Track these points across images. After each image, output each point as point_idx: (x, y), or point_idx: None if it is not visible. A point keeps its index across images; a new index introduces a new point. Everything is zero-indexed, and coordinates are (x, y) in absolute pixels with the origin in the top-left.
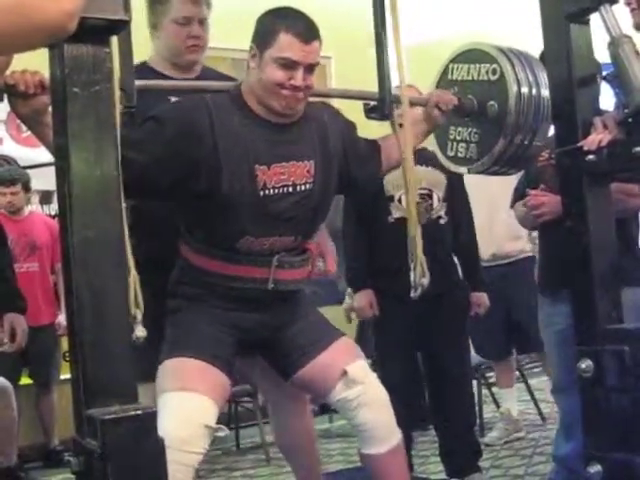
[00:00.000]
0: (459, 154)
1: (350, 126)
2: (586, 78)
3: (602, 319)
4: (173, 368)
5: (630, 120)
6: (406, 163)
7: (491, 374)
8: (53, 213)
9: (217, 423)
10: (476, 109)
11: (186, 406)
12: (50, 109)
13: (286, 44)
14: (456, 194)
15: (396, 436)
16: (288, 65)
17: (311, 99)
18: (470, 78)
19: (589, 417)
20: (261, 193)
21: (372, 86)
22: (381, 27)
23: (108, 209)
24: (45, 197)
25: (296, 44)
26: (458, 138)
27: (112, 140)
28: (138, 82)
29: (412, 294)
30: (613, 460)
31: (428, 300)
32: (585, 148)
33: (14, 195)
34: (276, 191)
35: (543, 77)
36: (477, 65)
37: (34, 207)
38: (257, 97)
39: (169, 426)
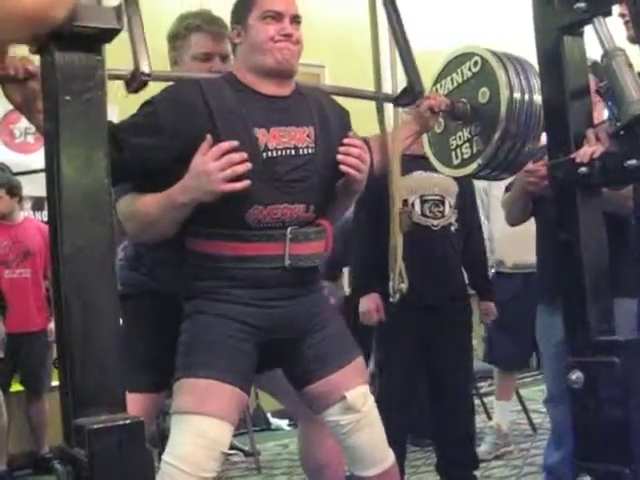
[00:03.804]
0: (465, 155)
1: (347, 113)
2: (579, 90)
3: (594, 330)
4: (190, 385)
5: (622, 132)
6: (392, 174)
7: (482, 384)
8: (45, 220)
9: None
10: (469, 110)
11: (206, 431)
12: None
13: (265, 0)
14: (467, 202)
15: (388, 459)
16: (274, 17)
17: None
18: (455, 85)
19: (579, 428)
20: (264, 155)
21: None
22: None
23: (98, 216)
24: (37, 204)
25: None
26: (459, 142)
27: (103, 148)
28: None
29: (391, 299)
30: (602, 471)
31: (435, 307)
32: (577, 160)
33: None
34: (279, 152)
35: (537, 83)
36: (458, 69)
37: (26, 214)
38: (250, 68)
39: (186, 450)
